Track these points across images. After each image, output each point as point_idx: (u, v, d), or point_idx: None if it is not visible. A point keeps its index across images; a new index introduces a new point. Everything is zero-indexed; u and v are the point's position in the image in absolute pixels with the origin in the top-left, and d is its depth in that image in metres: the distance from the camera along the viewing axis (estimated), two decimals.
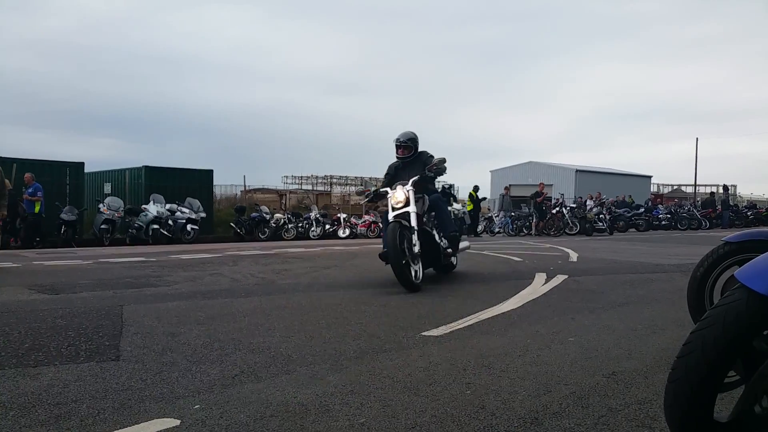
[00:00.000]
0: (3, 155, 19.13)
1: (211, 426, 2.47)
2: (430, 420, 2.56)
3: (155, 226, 18.40)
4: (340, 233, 22.51)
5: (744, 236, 3.83)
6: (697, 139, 50.41)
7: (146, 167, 22.28)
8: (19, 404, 2.73)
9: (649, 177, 58.45)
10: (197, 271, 8.38)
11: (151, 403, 2.75)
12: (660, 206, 30.75)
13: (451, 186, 22.85)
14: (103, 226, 17.59)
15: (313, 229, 22.25)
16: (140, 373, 3.26)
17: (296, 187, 47.11)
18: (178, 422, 2.51)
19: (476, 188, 22.49)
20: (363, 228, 23.19)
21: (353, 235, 22.53)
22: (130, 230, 18.74)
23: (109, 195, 20.56)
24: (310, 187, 47.17)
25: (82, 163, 21.07)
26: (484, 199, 24.02)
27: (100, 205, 18.34)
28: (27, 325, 4.51)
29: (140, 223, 18.55)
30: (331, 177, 49.42)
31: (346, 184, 48.13)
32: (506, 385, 3.07)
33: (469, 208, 21.71)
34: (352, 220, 24.18)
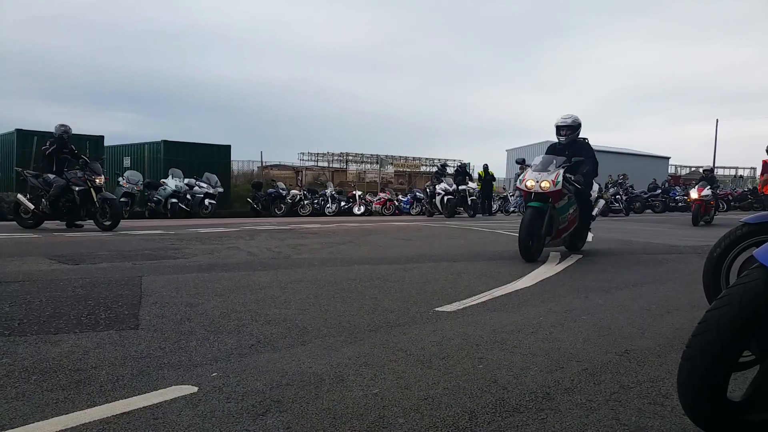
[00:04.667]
0: (24, 129, 19.34)
1: (228, 393, 2.52)
2: (443, 392, 2.59)
3: (174, 200, 18.55)
4: (355, 210, 22.56)
5: (763, 217, 3.79)
6: (717, 120, 49.41)
7: (165, 142, 22.38)
8: (41, 369, 2.81)
9: (668, 158, 57.66)
10: (215, 245, 8.46)
11: (169, 371, 2.81)
12: (677, 188, 30.40)
13: (466, 165, 22.75)
14: (122, 199, 17.77)
15: (328, 205, 22.32)
16: (159, 341, 3.32)
17: (312, 163, 47.08)
18: (195, 389, 2.56)
19: (485, 167, 22.35)
20: (378, 205, 23.21)
21: (368, 212, 22.57)
22: (149, 204, 18.92)
23: (128, 169, 20.71)
24: (326, 164, 47.14)
25: (102, 137, 21.24)
26: (494, 177, 23.73)
27: (120, 179, 18.50)
28: (48, 293, 4.60)
29: (159, 197, 18.71)
30: (347, 154, 49.28)
31: (362, 162, 47.99)
32: (518, 361, 3.09)
33: (478, 187, 21.61)
34: (368, 197, 24.20)
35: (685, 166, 62.28)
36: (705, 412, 1.90)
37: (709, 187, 16.41)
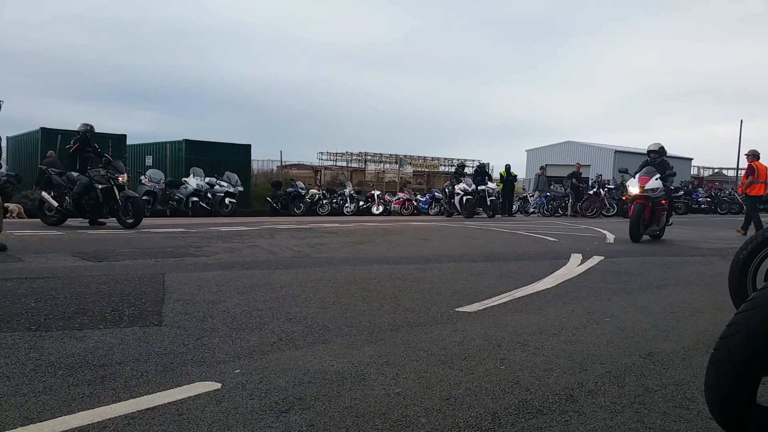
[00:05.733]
0: (48, 127, 19.63)
1: (251, 390, 2.54)
2: (465, 393, 2.58)
3: (195, 199, 18.69)
4: (374, 210, 22.54)
5: None
6: (741, 120, 48.49)
7: (186, 141, 22.54)
8: (66, 364, 2.84)
9: (690, 159, 56.98)
10: (235, 243, 8.51)
11: (192, 367, 2.83)
12: (700, 189, 30.03)
13: (485, 165, 22.66)
14: (144, 198, 17.93)
15: (347, 205, 22.33)
16: (182, 338, 3.35)
17: (331, 163, 47.15)
18: (219, 385, 2.58)
19: (507, 167, 22.26)
20: (397, 205, 23.18)
21: (387, 212, 22.55)
22: (170, 202, 19.07)
23: (150, 167, 20.89)
24: (344, 164, 47.18)
25: (125, 136, 21.46)
26: (516, 178, 23.68)
27: (142, 177, 18.67)
28: (72, 290, 4.66)
29: (180, 196, 18.86)
30: (366, 154, 49.26)
31: (381, 162, 47.97)
32: (541, 362, 3.07)
33: (499, 187, 21.51)
34: (386, 197, 24.18)
35: (708, 167, 61.45)
36: (734, 417, 1.87)
37: (657, 176, 10.27)
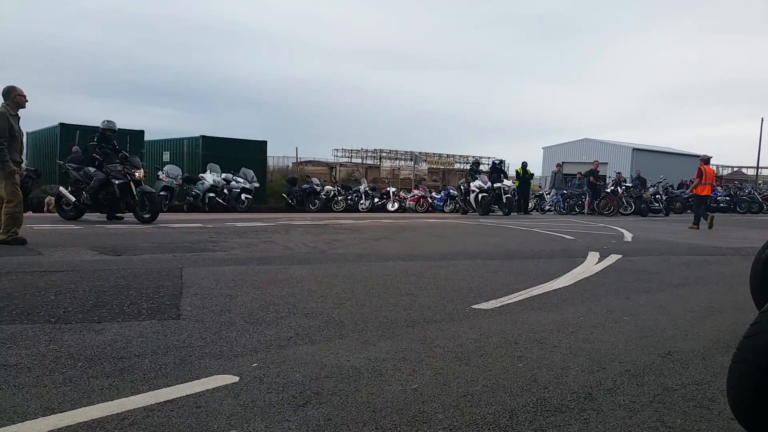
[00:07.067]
0: (67, 122, 19.83)
1: (269, 384, 2.54)
2: (482, 390, 2.57)
3: (211, 195, 18.79)
4: (389, 207, 22.52)
5: None
6: (762, 119, 47.84)
7: (203, 137, 22.68)
8: (85, 356, 2.87)
9: (709, 158, 56.44)
10: (252, 238, 8.55)
11: (210, 360, 2.85)
12: (719, 188, 29.65)
13: (501, 162, 22.54)
14: (161, 193, 18.04)
15: (362, 201, 22.33)
16: (200, 331, 3.37)
17: (346, 160, 47.20)
18: (237, 379, 2.59)
19: (524, 164, 22.14)
20: (412, 202, 23.15)
21: (402, 209, 22.52)
22: (187, 197, 19.19)
23: (168, 163, 21.04)
24: (359, 161, 47.21)
25: (142, 132, 21.67)
26: (532, 175, 23.55)
27: (159, 173, 18.80)
28: (91, 283, 4.70)
29: (197, 191, 18.97)
30: (381, 151, 49.28)
31: (396, 159, 47.97)
32: (559, 360, 3.05)
33: (515, 184, 21.40)
34: (401, 194, 24.15)
35: (727, 166, 60.71)
36: (757, 417, 1.85)
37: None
